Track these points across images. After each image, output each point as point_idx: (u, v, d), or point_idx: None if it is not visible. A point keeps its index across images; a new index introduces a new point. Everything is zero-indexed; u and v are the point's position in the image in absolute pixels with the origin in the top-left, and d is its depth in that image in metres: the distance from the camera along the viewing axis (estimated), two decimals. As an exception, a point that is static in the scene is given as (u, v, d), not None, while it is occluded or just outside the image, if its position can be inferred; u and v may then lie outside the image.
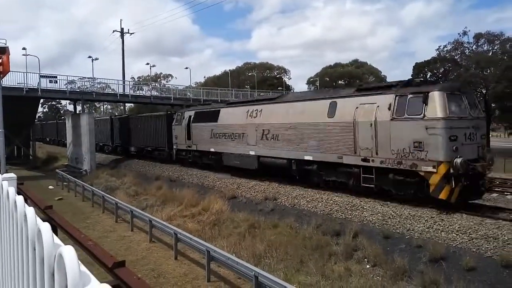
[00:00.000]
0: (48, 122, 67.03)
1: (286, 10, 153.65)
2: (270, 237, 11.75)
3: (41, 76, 29.72)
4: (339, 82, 74.46)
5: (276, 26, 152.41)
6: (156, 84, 54.52)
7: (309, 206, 13.59)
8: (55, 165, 34.63)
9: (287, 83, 75.13)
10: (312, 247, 10.57)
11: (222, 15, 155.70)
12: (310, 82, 75.83)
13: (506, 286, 7.59)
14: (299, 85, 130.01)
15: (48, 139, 60.45)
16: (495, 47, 54.18)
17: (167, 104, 37.62)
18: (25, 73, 28.88)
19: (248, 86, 64.61)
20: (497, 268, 8.04)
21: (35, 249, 1.10)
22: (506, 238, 8.86)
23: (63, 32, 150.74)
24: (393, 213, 11.38)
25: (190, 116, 23.22)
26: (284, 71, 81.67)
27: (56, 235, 6.95)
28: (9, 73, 27.21)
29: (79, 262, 0.90)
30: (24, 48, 33.00)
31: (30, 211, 1.26)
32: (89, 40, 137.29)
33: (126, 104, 51.95)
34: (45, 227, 1.00)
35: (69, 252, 0.82)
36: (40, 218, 5.63)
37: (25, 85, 28.29)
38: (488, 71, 50.19)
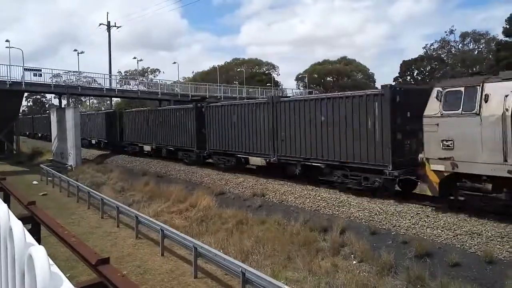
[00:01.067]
0: None
1: (275, 5, 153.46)
2: (257, 233, 11.74)
3: (25, 69, 29.18)
4: (327, 78, 74.88)
5: (265, 21, 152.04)
6: (143, 79, 53.92)
7: (297, 202, 13.61)
8: (40, 160, 34.06)
9: (276, 79, 75.15)
10: (299, 243, 10.59)
11: (211, 9, 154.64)
12: (298, 78, 76.03)
13: (489, 281, 7.72)
14: (288, 81, 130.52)
15: None
16: (481, 46, 55.05)
17: (155, 99, 37.27)
18: (8, 66, 28.26)
19: (236, 82, 64.40)
20: (480, 264, 8.16)
21: (7, 248, 1.04)
22: (490, 234, 9.00)
23: (48, 24, 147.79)
24: (379, 210, 11.47)
25: None
26: (273, 67, 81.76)
27: (39, 231, 6.82)
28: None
29: (52, 262, 0.84)
30: (7, 40, 32.35)
31: (3, 208, 1.19)
32: (75, 33, 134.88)
33: (112, 98, 51.35)
34: (17, 226, 0.94)
35: (39, 253, 0.77)
36: (23, 214, 5.49)
37: (9, 78, 27.69)
38: (474, 69, 50.99)
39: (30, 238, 1.17)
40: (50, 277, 0.73)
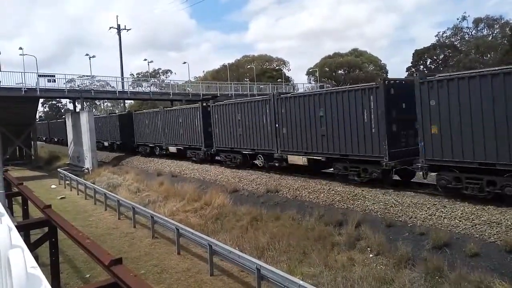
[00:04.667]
0: None
1: (282, 0, 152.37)
2: (272, 229, 11.73)
3: (39, 76, 29.62)
4: (339, 72, 74.15)
5: (273, 17, 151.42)
6: (155, 80, 54.36)
7: (311, 197, 13.54)
8: (58, 164, 34.69)
9: (286, 74, 74.80)
10: (314, 238, 10.54)
11: (218, 7, 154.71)
12: (309, 73, 75.50)
13: (511, 271, 7.54)
14: (298, 76, 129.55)
15: None
16: (495, 32, 53.76)
17: (166, 99, 37.51)
18: (23, 73, 28.78)
19: (247, 79, 64.34)
20: (500, 253, 7.99)
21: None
22: (510, 223, 8.79)
23: (58, 30, 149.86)
24: (395, 202, 11.32)
25: None
26: (283, 62, 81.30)
27: (56, 233, 6.93)
28: (6, 73, 27.26)
29: (35, 265, 0.83)
30: (21, 48, 32.89)
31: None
32: (85, 37, 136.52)
33: (126, 101, 51.92)
34: (2, 227, 0.94)
35: (16, 257, 0.76)
36: (41, 217, 5.58)
37: (24, 85, 28.21)
38: (488, 55, 49.79)
39: (17, 240, 1.17)
40: (26, 281, 0.72)
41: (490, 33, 54.38)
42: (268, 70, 73.57)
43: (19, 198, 11.93)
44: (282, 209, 13.18)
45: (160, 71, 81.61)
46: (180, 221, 12.90)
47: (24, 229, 6.91)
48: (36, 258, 8.26)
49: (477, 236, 8.74)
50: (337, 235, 10.45)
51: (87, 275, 9.63)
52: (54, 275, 6.99)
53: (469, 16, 56.32)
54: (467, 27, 56.43)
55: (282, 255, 10.07)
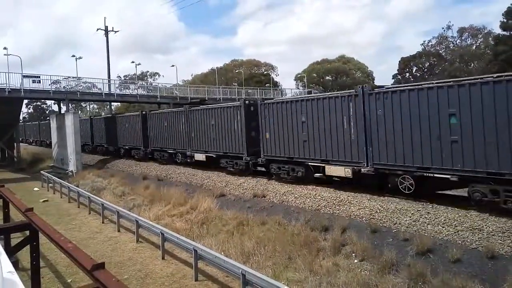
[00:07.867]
0: None
1: (271, 5, 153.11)
2: (258, 234, 11.71)
3: (24, 76, 29.12)
4: (327, 78, 74.82)
5: (262, 22, 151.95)
6: (143, 83, 53.98)
7: (297, 202, 13.57)
8: (41, 167, 34.07)
9: (275, 79, 75.08)
10: (300, 243, 10.55)
11: (207, 11, 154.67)
12: (298, 78, 75.95)
13: (491, 276, 7.67)
14: (287, 81, 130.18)
15: None
16: (478, 41, 54.92)
17: (153, 102, 37.24)
18: (7, 73, 28.25)
19: (235, 84, 64.36)
20: (482, 259, 8.12)
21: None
22: (491, 229, 8.95)
23: (44, 30, 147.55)
24: (380, 207, 11.42)
25: None
26: (272, 67, 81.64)
27: (37, 237, 6.80)
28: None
29: (12, 270, 0.82)
30: (5, 48, 32.24)
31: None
32: (72, 38, 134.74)
33: (112, 103, 51.37)
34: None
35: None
36: (22, 220, 5.47)
37: (7, 85, 27.69)
38: (472, 64, 50.82)
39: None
40: (2, 286, 0.71)
41: (474, 42, 55.64)
42: (257, 75, 73.76)
43: (0, 201, 11.65)
44: (269, 214, 13.18)
45: (148, 73, 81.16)
46: (166, 226, 12.79)
47: (4, 232, 6.75)
48: (16, 262, 8.08)
49: (460, 242, 8.87)
50: (323, 241, 10.48)
51: (69, 280, 9.45)
52: (34, 280, 6.83)
53: (453, 25, 57.70)
54: (452, 36, 57.68)
55: (267, 260, 10.05)
